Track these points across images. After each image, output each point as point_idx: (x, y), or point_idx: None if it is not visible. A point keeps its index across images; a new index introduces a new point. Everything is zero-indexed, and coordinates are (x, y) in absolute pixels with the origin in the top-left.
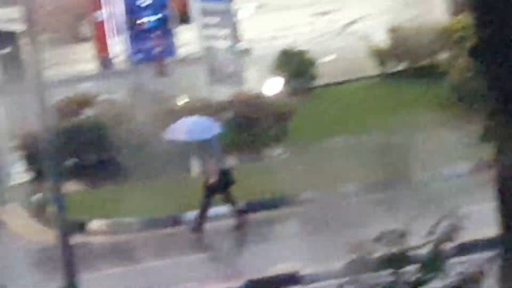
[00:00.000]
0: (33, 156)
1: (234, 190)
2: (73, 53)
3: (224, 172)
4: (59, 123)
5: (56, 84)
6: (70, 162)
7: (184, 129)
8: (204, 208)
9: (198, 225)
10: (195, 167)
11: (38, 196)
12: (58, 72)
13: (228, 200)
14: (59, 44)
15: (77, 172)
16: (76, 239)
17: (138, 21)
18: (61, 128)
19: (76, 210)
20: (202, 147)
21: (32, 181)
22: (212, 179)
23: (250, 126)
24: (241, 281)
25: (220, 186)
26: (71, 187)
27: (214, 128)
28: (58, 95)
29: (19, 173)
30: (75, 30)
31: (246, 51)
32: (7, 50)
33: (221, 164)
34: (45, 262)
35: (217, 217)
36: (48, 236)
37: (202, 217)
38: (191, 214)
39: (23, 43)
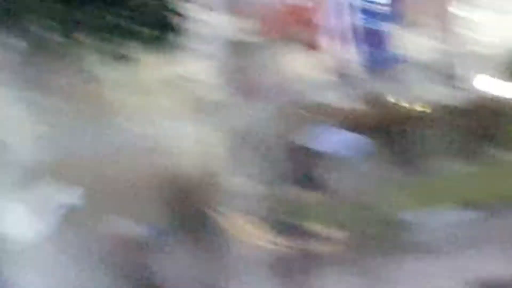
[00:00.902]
0: (255, 165)
1: None
2: (301, 60)
3: None
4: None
5: (284, 92)
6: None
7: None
8: None
9: None
10: None
11: (266, 203)
12: (286, 79)
13: None
14: (290, 52)
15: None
16: (309, 246)
17: (370, 28)
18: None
19: (307, 217)
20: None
21: (255, 190)
22: None
23: (485, 130)
24: None
25: None
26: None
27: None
28: (287, 103)
29: (242, 182)
30: (306, 38)
31: (481, 55)
32: (238, 61)
33: None
34: (275, 269)
35: None
36: (279, 243)
37: None
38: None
39: (253, 52)
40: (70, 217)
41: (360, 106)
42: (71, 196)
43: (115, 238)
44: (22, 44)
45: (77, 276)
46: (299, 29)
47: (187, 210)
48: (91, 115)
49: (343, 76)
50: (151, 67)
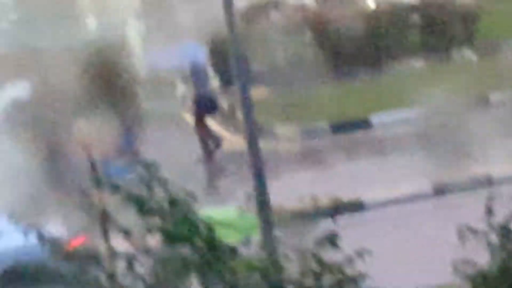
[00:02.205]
0: (221, 62)
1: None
2: None
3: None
4: (246, 28)
5: None
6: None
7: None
8: None
9: None
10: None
11: (227, 102)
12: None
13: None
14: None
15: (264, 77)
16: (265, 144)
17: None
18: (248, 33)
19: (264, 115)
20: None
21: (221, 87)
22: None
23: (437, 27)
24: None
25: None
26: (257, 92)
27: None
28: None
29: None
30: None
31: None
32: None
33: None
34: (234, 167)
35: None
36: (237, 142)
37: None
38: (381, 116)
39: None
40: (16, 109)
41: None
42: (19, 88)
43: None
44: None
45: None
46: None
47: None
48: (53, 8)
49: None
50: None
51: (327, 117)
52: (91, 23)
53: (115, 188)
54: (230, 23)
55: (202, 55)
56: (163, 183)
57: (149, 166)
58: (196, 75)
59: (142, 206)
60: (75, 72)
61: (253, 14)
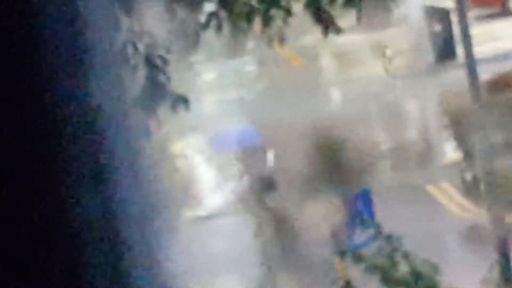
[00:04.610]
0: (462, 133)
1: None
2: (503, 28)
3: None
4: (490, 100)
5: (486, 61)
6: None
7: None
8: None
9: None
10: None
11: (470, 174)
12: (488, 48)
13: None
14: (489, 19)
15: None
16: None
17: None
18: (492, 105)
19: (509, 186)
20: None
21: (463, 159)
22: None
23: None
24: None
25: None
26: (502, 164)
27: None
28: (489, 72)
29: (451, 151)
30: (505, 4)
31: None
32: (439, 27)
33: None
34: (476, 240)
35: None
36: (480, 214)
37: None
38: None
39: (454, 19)
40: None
41: None
42: (270, 160)
43: None
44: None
45: None
46: None
47: None
48: (292, 81)
49: None
50: (355, 33)
51: None
52: (336, 95)
53: (359, 258)
54: (474, 94)
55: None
56: (405, 255)
57: (391, 238)
58: None
59: (386, 277)
60: (311, 146)
61: (500, 85)
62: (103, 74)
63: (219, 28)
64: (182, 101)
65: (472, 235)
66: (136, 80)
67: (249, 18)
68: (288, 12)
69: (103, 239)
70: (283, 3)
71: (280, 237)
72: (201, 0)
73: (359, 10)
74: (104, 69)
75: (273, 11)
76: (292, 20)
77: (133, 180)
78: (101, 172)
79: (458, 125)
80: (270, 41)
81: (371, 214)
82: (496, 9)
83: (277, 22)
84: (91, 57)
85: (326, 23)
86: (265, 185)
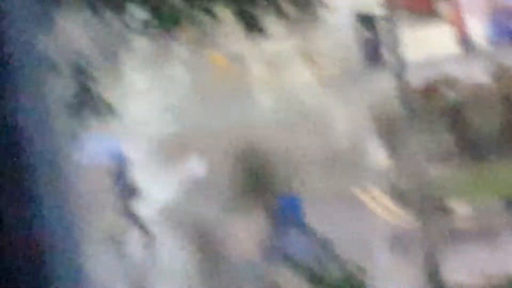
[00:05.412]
0: (392, 140)
1: None
2: (433, 33)
3: None
4: (420, 106)
5: (415, 66)
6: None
7: None
8: None
9: None
10: None
11: (397, 180)
12: (416, 53)
13: None
14: (419, 25)
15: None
16: (438, 222)
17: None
18: (422, 111)
19: (437, 193)
20: None
21: (391, 165)
22: None
23: None
24: None
25: None
26: (432, 169)
27: None
28: (418, 78)
29: (380, 157)
30: (432, 9)
31: None
32: (369, 34)
33: None
34: (404, 245)
35: None
36: (408, 220)
37: None
38: None
39: (384, 26)
40: (195, 188)
41: (487, 80)
42: (197, 167)
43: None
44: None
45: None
46: (424, 0)
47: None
48: (221, 88)
49: (470, 49)
50: (284, 40)
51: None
52: (266, 101)
53: (289, 263)
54: (403, 100)
55: None
56: (335, 258)
57: (321, 242)
58: None
59: (313, 279)
60: (239, 153)
61: (430, 91)
62: (23, 77)
63: (151, 35)
64: (109, 109)
65: (400, 240)
66: (63, 86)
67: (175, 20)
68: (210, 14)
69: (22, 236)
70: (205, 5)
71: (205, 248)
72: (124, 4)
73: (286, 17)
74: (25, 72)
75: (199, 14)
76: (224, 28)
77: (54, 183)
78: (20, 174)
79: (388, 132)
80: (199, 45)
81: (301, 220)
82: (425, 14)
83: (205, 26)
84: (10, 58)
85: (249, 23)
86: (129, 192)
